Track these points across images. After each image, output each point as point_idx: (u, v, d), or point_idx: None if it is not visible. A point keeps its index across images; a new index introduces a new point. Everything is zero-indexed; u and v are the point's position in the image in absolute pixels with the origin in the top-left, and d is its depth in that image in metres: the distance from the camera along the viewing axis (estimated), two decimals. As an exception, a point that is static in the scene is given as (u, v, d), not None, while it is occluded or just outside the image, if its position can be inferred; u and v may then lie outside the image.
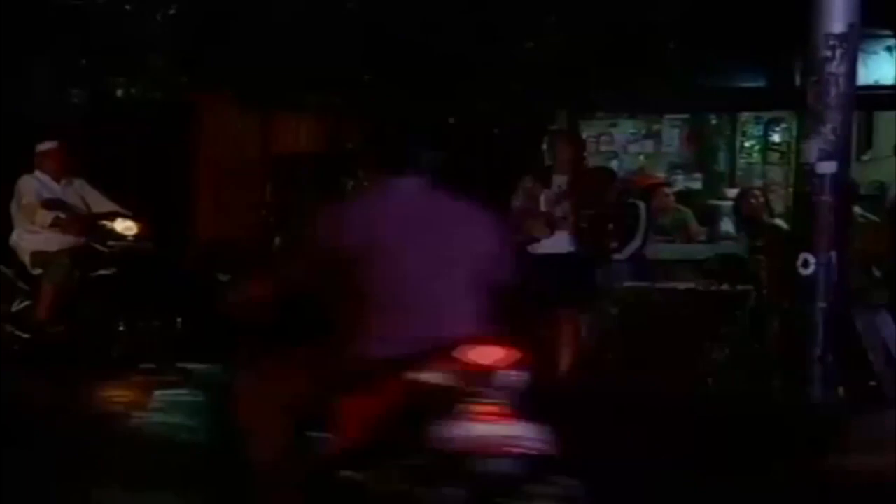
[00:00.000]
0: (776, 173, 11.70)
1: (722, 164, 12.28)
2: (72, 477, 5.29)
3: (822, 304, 6.56)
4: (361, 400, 3.67)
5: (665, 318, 8.32)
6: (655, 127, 12.02)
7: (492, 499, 3.44)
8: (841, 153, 6.63)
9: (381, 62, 9.09)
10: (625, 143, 11.91)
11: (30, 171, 8.88)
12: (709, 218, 10.73)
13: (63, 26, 9.31)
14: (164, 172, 10.59)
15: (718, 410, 6.74)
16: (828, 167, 6.56)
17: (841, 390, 6.72)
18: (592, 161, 10.77)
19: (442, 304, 3.76)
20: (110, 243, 8.73)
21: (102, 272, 8.69)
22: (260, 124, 10.95)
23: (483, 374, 3.51)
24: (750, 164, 12.09)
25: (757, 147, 12.06)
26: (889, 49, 10.27)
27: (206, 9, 9.33)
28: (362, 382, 3.67)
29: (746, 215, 9.05)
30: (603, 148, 11.73)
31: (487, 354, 3.53)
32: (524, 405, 3.57)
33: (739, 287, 8.40)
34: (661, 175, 11.34)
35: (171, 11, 9.46)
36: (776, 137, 11.90)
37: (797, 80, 8.88)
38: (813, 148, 6.61)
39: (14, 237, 8.85)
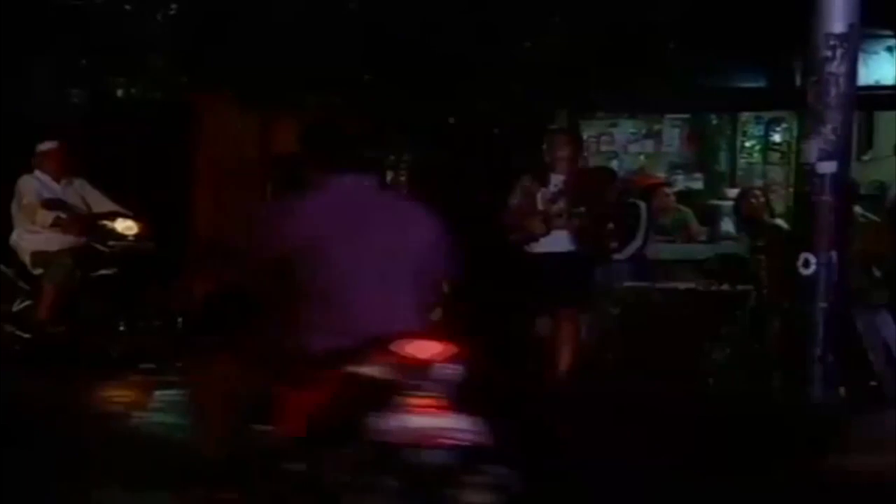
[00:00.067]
0: (776, 173, 11.70)
1: (722, 164, 12.28)
2: (72, 477, 5.29)
3: (822, 304, 6.57)
4: (302, 392, 3.76)
5: (665, 318, 8.32)
6: (656, 127, 12.02)
7: (427, 488, 3.53)
8: (841, 153, 6.63)
9: (381, 62, 9.08)
10: (625, 143, 11.91)
11: (30, 171, 8.90)
12: (709, 218, 10.72)
13: (63, 26, 9.30)
14: (164, 172, 10.58)
15: (718, 410, 6.74)
16: (828, 167, 6.57)
17: (841, 390, 6.73)
18: (593, 161, 10.77)
19: (381, 299, 3.86)
20: (111, 243, 8.75)
21: (103, 272, 8.71)
22: (260, 124, 10.94)
23: (420, 368, 3.59)
24: (750, 164, 12.08)
25: (757, 147, 12.05)
26: (889, 49, 10.26)
27: (206, 9, 9.32)
28: (303, 375, 3.77)
29: (747, 215, 9.06)
30: (603, 148, 11.73)
31: (424, 348, 3.62)
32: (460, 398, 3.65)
33: (740, 287, 8.41)
34: (661, 175, 11.34)
35: (171, 11, 9.46)
36: (777, 137, 11.90)
37: (797, 80, 8.88)
38: (813, 148, 6.62)
39: (14, 237, 8.86)
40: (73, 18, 9.31)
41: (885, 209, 8.96)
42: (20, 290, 8.80)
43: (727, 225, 10.27)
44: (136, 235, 8.80)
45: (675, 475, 5.45)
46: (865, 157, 11.74)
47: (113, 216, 8.86)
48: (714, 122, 12.37)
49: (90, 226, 8.78)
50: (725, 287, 8.46)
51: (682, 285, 8.76)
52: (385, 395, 3.57)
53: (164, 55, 9.60)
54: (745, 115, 12.03)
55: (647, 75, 9.22)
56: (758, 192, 9.55)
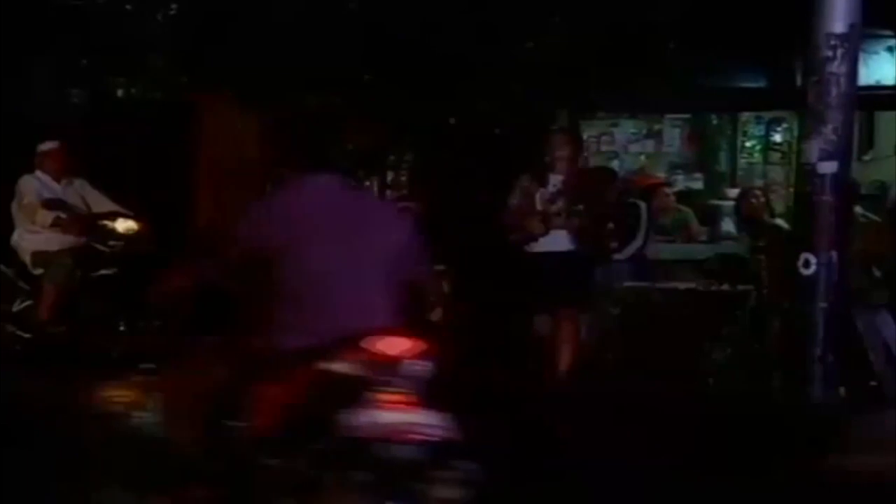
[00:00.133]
0: (777, 173, 11.70)
1: (723, 164, 12.28)
2: (72, 477, 5.29)
3: (822, 304, 6.57)
4: (274, 389, 3.82)
5: (665, 318, 8.32)
6: (656, 127, 12.01)
7: (396, 483, 3.58)
8: (842, 153, 6.63)
9: (381, 62, 9.08)
10: (625, 143, 11.91)
11: (30, 171, 8.89)
12: (709, 218, 10.72)
13: (63, 26, 9.31)
14: (164, 172, 10.58)
15: (718, 410, 6.74)
16: (829, 167, 6.57)
17: (841, 390, 6.73)
18: (593, 161, 10.77)
19: (352, 297, 3.92)
20: (111, 243, 8.75)
21: (103, 272, 8.71)
22: (260, 124, 10.94)
23: (389, 364, 3.66)
24: (751, 164, 12.08)
25: (758, 147, 12.05)
26: (890, 49, 10.25)
27: (206, 9, 9.32)
28: (275, 372, 3.83)
29: (747, 215, 9.06)
30: (604, 148, 11.73)
31: (394, 345, 3.68)
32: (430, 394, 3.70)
33: (740, 287, 8.41)
34: (661, 175, 11.34)
35: (171, 11, 9.46)
36: (777, 137, 11.90)
37: (798, 80, 8.87)
38: (814, 148, 6.62)
39: (15, 237, 8.86)
40: (73, 18, 9.31)
41: (885, 209, 8.97)
42: (20, 290, 8.79)
43: (727, 225, 10.27)
44: (136, 235, 8.79)
45: (675, 475, 5.45)
46: (866, 157, 11.75)
47: (113, 216, 8.86)
48: (714, 122, 12.37)
49: (90, 226, 8.77)
50: (725, 287, 8.45)
51: (682, 285, 8.76)
52: (356, 392, 3.63)
53: (164, 55, 9.61)
54: (745, 115, 12.03)
55: (647, 75, 9.22)
56: (758, 192, 9.54)
